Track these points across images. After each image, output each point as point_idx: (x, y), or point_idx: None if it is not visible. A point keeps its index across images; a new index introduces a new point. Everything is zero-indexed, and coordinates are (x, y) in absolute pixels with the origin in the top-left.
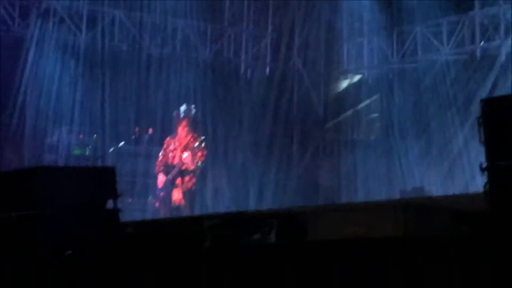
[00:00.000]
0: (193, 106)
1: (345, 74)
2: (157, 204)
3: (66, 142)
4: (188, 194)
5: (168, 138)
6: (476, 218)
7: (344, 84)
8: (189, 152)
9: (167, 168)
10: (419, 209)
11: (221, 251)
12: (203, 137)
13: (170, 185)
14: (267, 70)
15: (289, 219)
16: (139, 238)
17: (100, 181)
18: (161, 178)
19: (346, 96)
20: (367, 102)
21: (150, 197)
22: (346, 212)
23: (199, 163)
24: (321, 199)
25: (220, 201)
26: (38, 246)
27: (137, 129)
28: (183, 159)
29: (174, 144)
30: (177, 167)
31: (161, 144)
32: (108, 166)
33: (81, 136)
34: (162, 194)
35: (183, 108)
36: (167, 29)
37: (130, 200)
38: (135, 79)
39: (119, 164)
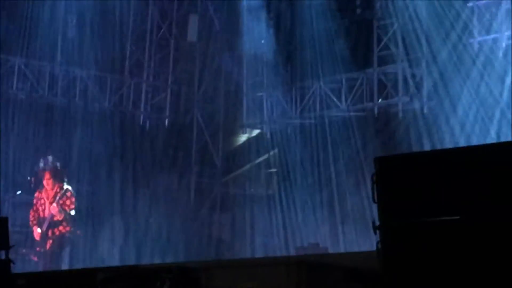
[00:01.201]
0: (52, 157)
1: (244, 128)
2: (35, 259)
3: None
4: (61, 244)
5: (36, 192)
6: (369, 276)
7: (243, 138)
8: (56, 203)
9: (40, 221)
10: (313, 266)
11: None
12: (67, 186)
13: (46, 237)
14: (166, 121)
15: (182, 274)
16: None
17: None
18: (37, 231)
19: (245, 150)
20: (265, 156)
21: (24, 250)
22: (240, 268)
23: (69, 212)
24: (216, 253)
25: (114, 252)
26: None
27: (33, 178)
28: (51, 210)
29: (42, 197)
30: (48, 219)
31: None
32: (1, 216)
33: None
34: (38, 248)
35: (44, 161)
36: (66, 79)
37: (23, 250)
38: (32, 128)
39: (14, 213)
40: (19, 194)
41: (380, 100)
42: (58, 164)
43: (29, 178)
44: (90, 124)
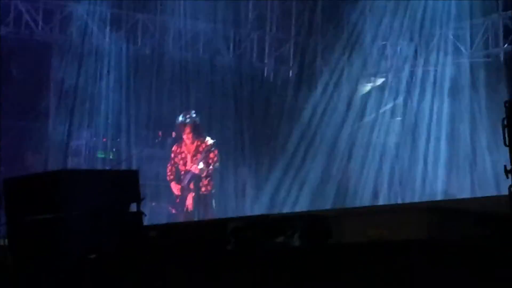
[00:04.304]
0: (193, 111)
1: (368, 77)
2: (174, 211)
3: (90, 146)
4: (205, 198)
5: (174, 147)
6: (501, 221)
7: (367, 87)
8: (200, 156)
9: (179, 175)
10: (443, 212)
11: (244, 254)
12: (211, 140)
13: (186, 191)
14: (290, 73)
15: (312, 222)
16: (163, 242)
17: (123, 184)
18: (176, 186)
19: (369, 99)
20: (390, 105)
21: (153, 204)
22: (369, 215)
23: (213, 165)
24: (343, 202)
25: (243, 203)
26: (61, 249)
27: (160, 132)
28: (196, 165)
29: (182, 151)
30: (191, 173)
31: None
32: (131, 169)
33: (104, 139)
34: (177, 201)
35: (184, 114)
36: (189, 33)
37: (153, 204)
38: (157, 83)
39: (142, 167)
40: (147, 148)
41: (505, 45)
42: (198, 118)
43: (159, 132)
44: (215, 78)
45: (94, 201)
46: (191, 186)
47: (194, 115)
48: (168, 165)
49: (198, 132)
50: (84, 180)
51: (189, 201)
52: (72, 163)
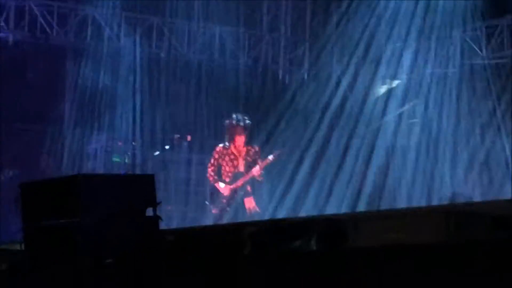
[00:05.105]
0: (241, 115)
1: (384, 79)
2: (214, 211)
3: (105, 149)
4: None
5: (219, 147)
6: None
7: (383, 89)
8: (261, 161)
9: (220, 175)
10: (460, 215)
11: (261, 259)
12: (258, 148)
13: (246, 194)
14: (305, 75)
15: (329, 226)
16: (179, 246)
17: (139, 189)
18: (224, 186)
19: (386, 101)
20: (406, 107)
21: (169, 207)
22: (386, 219)
23: (262, 173)
24: (359, 205)
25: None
26: (78, 254)
27: (176, 136)
28: (253, 171)
29: (232, 152)
30: (249, 175)
31: (202, 152)
32: (147, 174)
33: (120, 143)
34: (224, 201)
35: (239, 117)
36: (204, 36)
37: (169, 207)
38: (172, 86)
39: (158, 171)
40: (161, 152)
41: None
42: (252, 124)
43: (177, 136)
44: (230, 80)
45: (111, 206)
46: (249, 188)
47: (248, 121)
48: (210, 165)
49: (251, 137)
50: (100, 185)
51: (252, 204)
52: (87, 167)
